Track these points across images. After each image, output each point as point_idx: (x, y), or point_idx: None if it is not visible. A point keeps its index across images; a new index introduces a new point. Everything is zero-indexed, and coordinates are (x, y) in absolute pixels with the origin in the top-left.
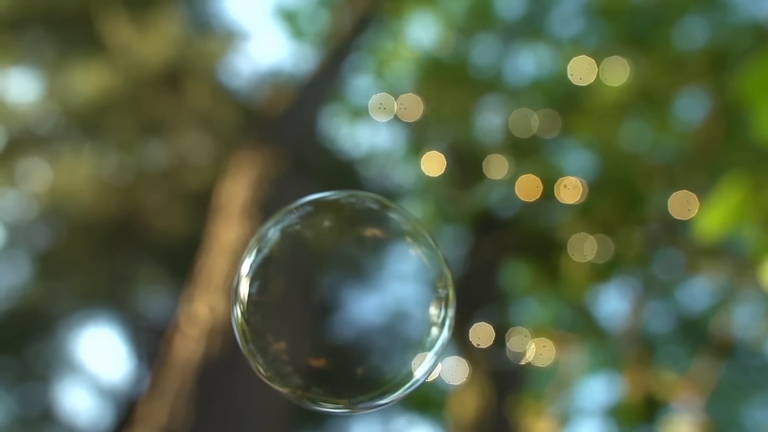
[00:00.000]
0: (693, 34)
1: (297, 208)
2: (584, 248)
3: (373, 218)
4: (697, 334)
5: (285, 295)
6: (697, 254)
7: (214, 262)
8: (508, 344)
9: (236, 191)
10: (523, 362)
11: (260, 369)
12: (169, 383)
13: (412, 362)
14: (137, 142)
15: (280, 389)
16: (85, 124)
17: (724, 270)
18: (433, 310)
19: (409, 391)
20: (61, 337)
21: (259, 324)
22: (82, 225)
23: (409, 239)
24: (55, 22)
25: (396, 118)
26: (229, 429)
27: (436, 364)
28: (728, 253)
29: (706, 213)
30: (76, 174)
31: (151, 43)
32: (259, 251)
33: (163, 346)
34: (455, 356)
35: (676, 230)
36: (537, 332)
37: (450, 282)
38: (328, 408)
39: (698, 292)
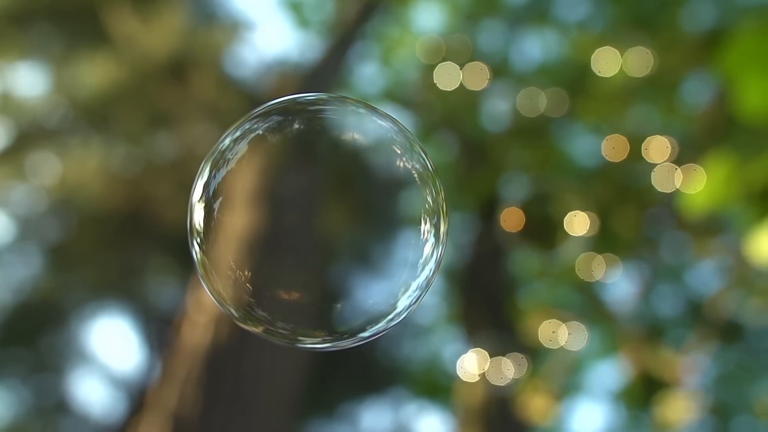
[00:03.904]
0: (700, 15)
1: (264, 113)
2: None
3: (354, 125)
4: (704, 317)
5: (249, 219)
6: (701, 234)
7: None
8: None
9: (242, 179)
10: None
11: (229, 308)
12: (178, 370)
13: (398, 288)
14: (144, 133)
15: (251, 329)
16: (92, 116)
17: (723, 250)
18: (422, 225)
19: (394, 322)
20: (73, 329)
21: (221, 255)
22: (92, 217)
23: (396, 150)
24: (60, 16)
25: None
26: (238, 414)
27: (427, 288)
28: (726, 232)
29: (693, 188)
30: (84, 166)
31: (156, 34)
32: (214, 168)
33: (171, 334)
34: (466, 345)
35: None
36: (543, 315)
37: (440, 191)
38: (307, 344)
39: (707, 275)
